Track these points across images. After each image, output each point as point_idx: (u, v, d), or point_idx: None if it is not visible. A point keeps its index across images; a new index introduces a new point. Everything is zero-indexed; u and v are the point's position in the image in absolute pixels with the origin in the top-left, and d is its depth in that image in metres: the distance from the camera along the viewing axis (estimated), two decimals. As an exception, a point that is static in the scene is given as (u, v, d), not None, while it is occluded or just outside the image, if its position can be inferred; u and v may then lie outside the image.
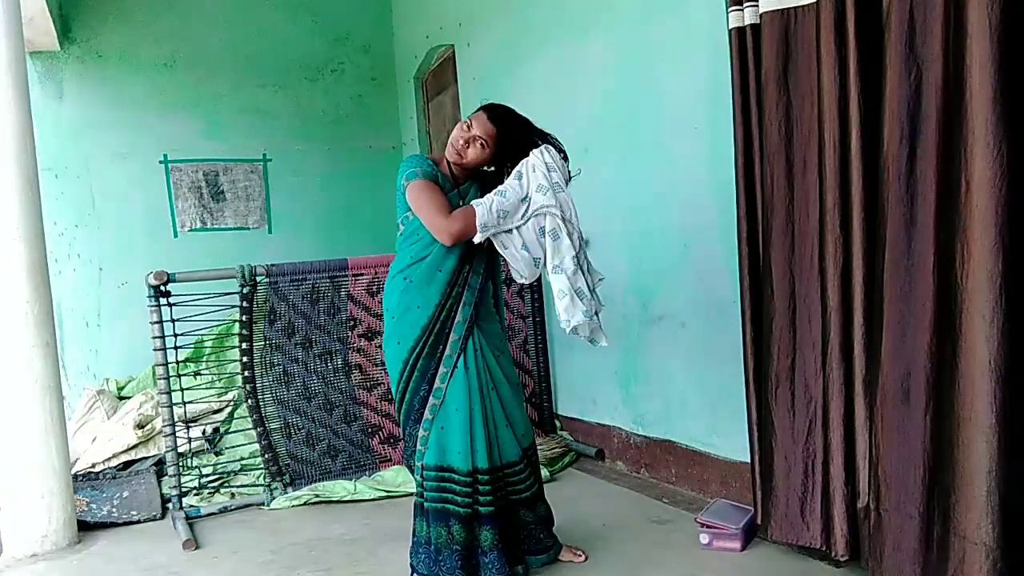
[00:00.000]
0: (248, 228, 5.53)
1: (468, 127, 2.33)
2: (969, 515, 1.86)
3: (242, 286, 3.38)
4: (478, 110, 2.38)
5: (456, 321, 2.35)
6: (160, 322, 3.25)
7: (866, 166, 2.12)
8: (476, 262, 2.39)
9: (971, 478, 1.85)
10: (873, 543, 2.14)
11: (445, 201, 2.29)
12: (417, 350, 2.34)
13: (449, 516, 2.32)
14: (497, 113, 2.36)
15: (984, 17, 1.77)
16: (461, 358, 2.34)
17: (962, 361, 1.86)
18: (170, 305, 3.28)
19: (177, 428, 3.38)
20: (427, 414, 2.34)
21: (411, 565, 2.40)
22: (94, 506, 3.31)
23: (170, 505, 3.33)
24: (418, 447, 2.36)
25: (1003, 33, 1.76)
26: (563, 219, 2.23)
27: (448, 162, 2.41)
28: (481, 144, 2.33)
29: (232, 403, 4.17)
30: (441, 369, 2.34)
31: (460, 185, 2.41)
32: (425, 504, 2.35)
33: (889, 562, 2.07)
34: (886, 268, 2.05)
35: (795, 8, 2.28)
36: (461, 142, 2.33)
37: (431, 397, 2.34)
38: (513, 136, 2.35)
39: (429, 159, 2.41)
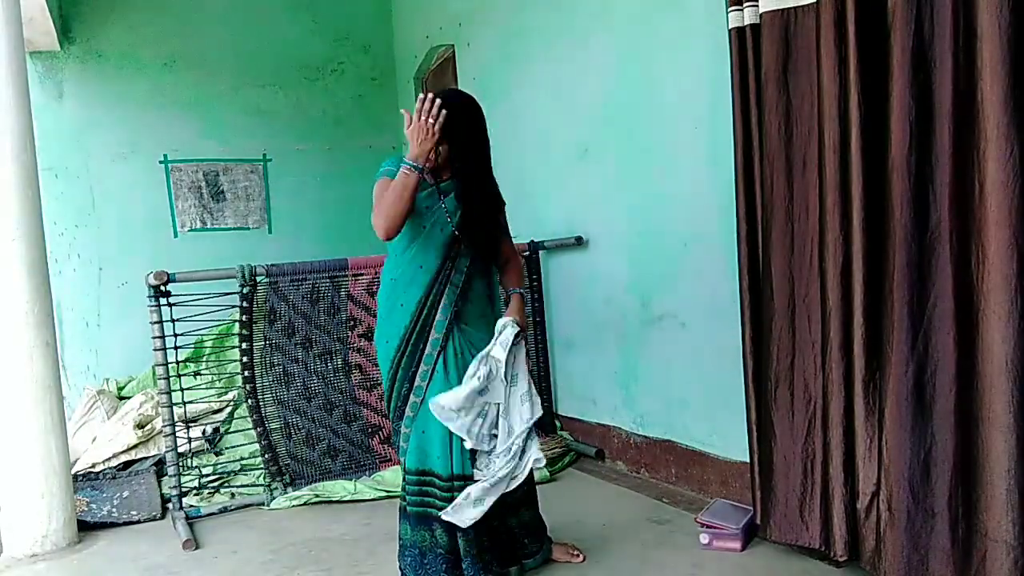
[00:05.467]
0: (248, 228, 5.53)
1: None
2: (989, 513, 1.87)
3: (242, 286, 3.38)
4: None
5: (436, 320, 2.34)
6: (160, 322, 3.25)
7: (866, 166, 2.11)
8: (459, 260, 2.37)
9: (991, 476, 1.86)
10: (882, 541, 2.13)
11: (391, 196, 2.24)
12: (402, 348, 2.35)
13: (431, 520, 2.32)
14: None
15: (995, 19, 1.77)
16: (441, 358, 2.34)
17: (980, 361, 1.87)
18: (170, 305, 3.28)
19: (177, 428, 3.38)
20: (408, 411, 2.36)
21: (400, 568, 2.40)
22: (94, 506, 3.31)
23: (170, 505, 3.34)
24: (401, 444, 2.39)
25: (1014, 35, 1.76)
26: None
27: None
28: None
29: (232, 403, 4.17)
30: (422, 368, 2.34)
31: (441, 182, 2.38)
32: (408, 508, 2.36)
33: (907, 560, 2.07)
34: (896, 270, 2.05)
35: (795, 8, 2.28)
36: None
37: (412, 395, 2.35)
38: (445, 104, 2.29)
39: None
